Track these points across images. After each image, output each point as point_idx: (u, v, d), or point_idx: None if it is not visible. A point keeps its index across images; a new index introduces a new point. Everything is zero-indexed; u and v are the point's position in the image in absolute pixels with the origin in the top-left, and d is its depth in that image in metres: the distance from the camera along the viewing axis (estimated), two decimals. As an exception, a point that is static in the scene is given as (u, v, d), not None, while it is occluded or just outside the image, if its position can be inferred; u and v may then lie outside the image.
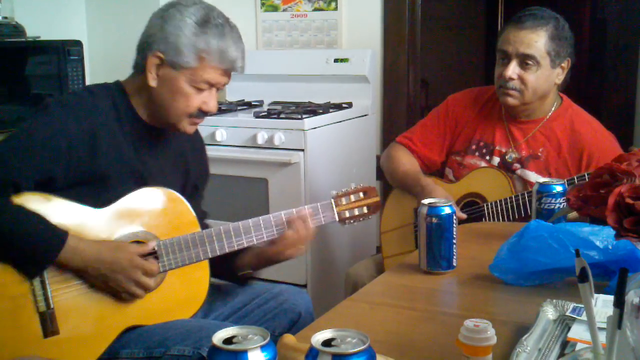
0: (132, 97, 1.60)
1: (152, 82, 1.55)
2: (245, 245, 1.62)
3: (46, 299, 1.43)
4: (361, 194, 1.75)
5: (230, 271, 1.74)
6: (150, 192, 1.57)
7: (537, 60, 1.98)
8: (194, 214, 1.62)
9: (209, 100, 1.59)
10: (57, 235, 1.42)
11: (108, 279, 1.46)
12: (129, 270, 1.47)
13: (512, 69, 2.00)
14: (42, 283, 1.43)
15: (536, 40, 1.97)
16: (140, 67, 1.59)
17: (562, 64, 2.03)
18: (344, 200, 1.73)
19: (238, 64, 1.60)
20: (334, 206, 1.71)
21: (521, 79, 2.01)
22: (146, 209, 1.56)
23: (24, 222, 1.41)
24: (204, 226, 1.67)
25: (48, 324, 1.43)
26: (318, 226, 1.69)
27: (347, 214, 1.73)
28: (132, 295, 1.50)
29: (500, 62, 2.06)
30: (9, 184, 1.43)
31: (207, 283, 1.62)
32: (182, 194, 1.63)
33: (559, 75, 2.03)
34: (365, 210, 1.76)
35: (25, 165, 1.45)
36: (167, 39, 1.53)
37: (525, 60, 1.99)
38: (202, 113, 1.60)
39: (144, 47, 1.56)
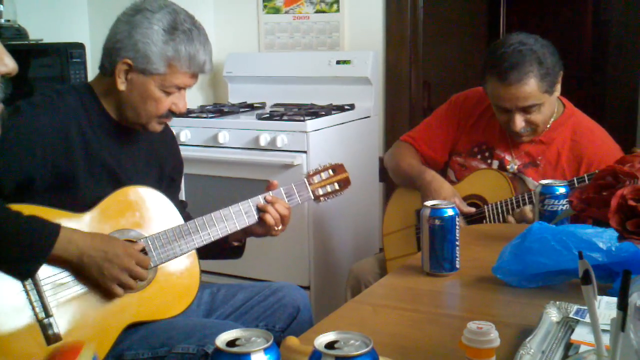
0: (101, 98, 1.61)
1: (121, 86, 1.56)
2: (230, 232, 1.67)
3: (44, 307, 1.43)
4: (331, 171, 1.83)
5: (221, 247, 1.77)
6: (128, 191, 1.59)
7: (537, 104, 1.93)
8: (174, 207, 1.64)
9: (179, 101, 1.61)
10: (51, 226, 1.43)
11: (102, 267, 1.46)
12: (123, 258, 1.47)
13: (519, 122, 1.95)
14: (38, 291, 1.43)
15: (529, 91, 1.90)
16: (107, 70, 1.59)
17: (558, 84, 1.98)
18: (316, 179, 1.80)
19: (206, 67, 1.62)
20: (307, 185, 1.78)
21: (529, 122, 1.97)
22: (128, 208, 1.58)
23: (16, 218, 1.41)
24: (186, 216, 1.70)
25: (49, 331, 1.43)
26: (295, 206, 1.77)
27: (321, 192, 1.81)
28: (124, 287, 1.49)
29: (498, 110, 2.00)
30: None
31: (198, 273, 1.65)
32: (159, 188, 1.65)
33: (557, 91, 1.99)
34: (336, 186, 1.83)
35: (3, 166, 1.45)
36: (136, 47, 1.54)
37: (526, 109, 1.94)
38: (172, 113, 1.63)
39: (112, 52, 1.57)
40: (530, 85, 1.90)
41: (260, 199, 1.71)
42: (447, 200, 1.98)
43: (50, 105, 1.54)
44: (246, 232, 1.76)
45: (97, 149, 1.57)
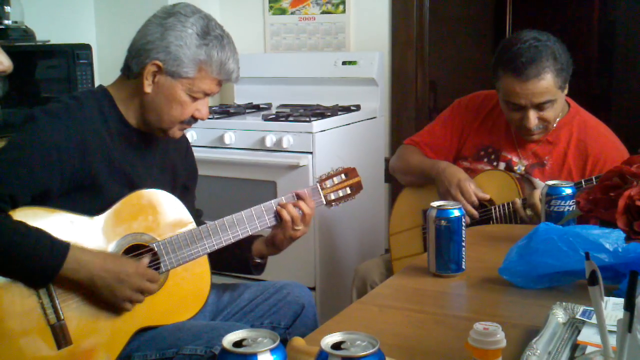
0: (120, 102, 1.60)
1: (147, 88, 1.56)
2: (241, 236, 1.65)
3: (55, 311, 1.44)
4: (343, 176, 1.80)
5: (244, 262, 1.77)
6: (142, 194, 1.58)
7: (552, 100, 1.93)
8: (187, 211, 1.64)
9: (202, 107, 1.61)
10: (59, 248, 1.41)
11: (115, 289, 1.46)
12: (135, 278, 1.47)
13: (533, 119, 1.94)
14: (50, 295, 1.43)
15: (546, 86, 1.89)
16: (132, 72, 1.58)
17: (568, 81, 1.97)
18: (328, 183, 1.78)
19: (234, 75, 1.62)
20: (320, 190, 1.76)
21: (542, 119, 1.96)
22: (141, 211, 1.57)
23: (26, 236, 1.39)
24: (201, 224, 1.69)
25: (60, 335, 1.44)
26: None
27: (333, 197, 1.78)
28: (134, 303, 1.50)
29: (510, 108, 1.98)
30: (6, 198, 1.41)
31: (209, 277, 1.65)
32: (172, 194, 1.65)
33: (567, 88, 1.98)
34: (348, 190, 1.80)
35: (20, 179, 1.44)
36: (168, 49, 1.53)
37: (540, 106, 1.93)
38: (194, 120, 1.62)
39: (141, 53, 1.56)
40: (547, 80, 1.89)
41: (271, 203, 1.69)
42: (463, 183, 1.99)
43: (66, 113, 1.52)
44: (268, 243, 1.76)
45: (114, 155, 1.56)
